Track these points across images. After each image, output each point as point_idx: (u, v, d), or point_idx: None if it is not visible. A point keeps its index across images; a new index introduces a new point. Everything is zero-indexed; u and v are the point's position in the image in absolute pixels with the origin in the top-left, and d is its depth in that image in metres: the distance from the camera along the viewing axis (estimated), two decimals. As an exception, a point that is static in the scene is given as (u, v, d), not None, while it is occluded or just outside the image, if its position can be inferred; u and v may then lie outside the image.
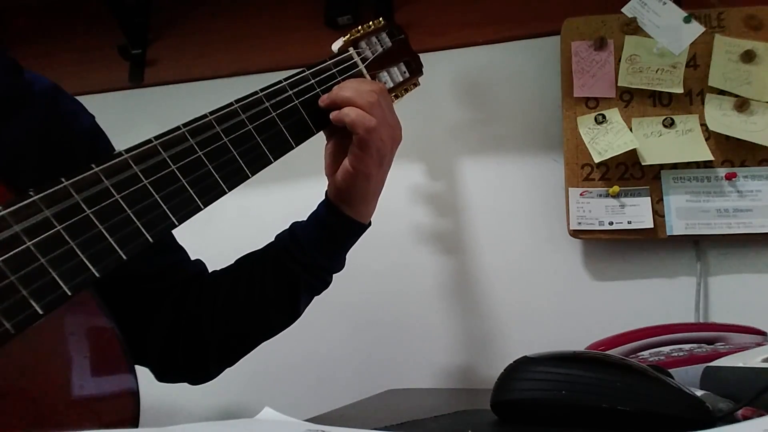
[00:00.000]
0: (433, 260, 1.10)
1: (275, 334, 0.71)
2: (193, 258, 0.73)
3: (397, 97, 0.76)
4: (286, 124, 0.61)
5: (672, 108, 0.99)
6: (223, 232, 1.18)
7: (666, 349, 0.75)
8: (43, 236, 0.40)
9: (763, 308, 0.94)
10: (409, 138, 1.14)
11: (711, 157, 0.95)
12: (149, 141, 0.49)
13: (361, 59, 0.71)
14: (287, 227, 0.72)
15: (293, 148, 0.62)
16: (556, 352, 0.49)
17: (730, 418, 0.44)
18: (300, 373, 1.12)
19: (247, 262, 0.71)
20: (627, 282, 1.01)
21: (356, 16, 1.14)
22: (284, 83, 0.62)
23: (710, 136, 0.96)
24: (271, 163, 0.59)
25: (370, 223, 0.72)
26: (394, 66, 0.75)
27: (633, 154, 0.96)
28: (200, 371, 0.70)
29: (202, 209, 0.51)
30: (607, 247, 1.02)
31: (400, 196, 1.12)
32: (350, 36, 0.72)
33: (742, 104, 0.95)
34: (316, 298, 0.73)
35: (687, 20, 0.98)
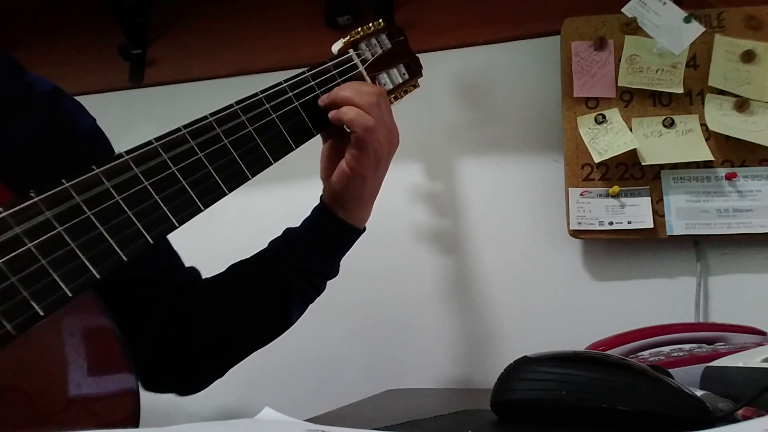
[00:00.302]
0: (433, 260, 1.10)
1: (266, 343, 0.70)
2: (189, 264, 0.72)
3: (396, 98, 0.76)
4: (286, 126, 0.61)
5: (672, 108, 0.99)
6: (223, 232, 1.18)
7: (666, 349, 0.75)
8: (43, 237, 0.40)
9: (763, 308, 0.94)
10: (409, 138, 1.14)
11: (711, 157, 0.95)
12: (150, 142, 0.50)
13: (360, 61, 0.71)
14: (281, 233, 0.71)
15: (293, 149, 0.62)
16: (556, 352, 0.49)
17: (730, 418, 0.44)
18: (300, 373, 1.12)
19: (239, 268, 0.70)
20: (627, 282, 1.01)
21: (356, 16, 1.14)
22: (284, 85, 0.62)
23: (710, 136, 0.96)
24: (272, 164, 0.59)
25: (364, 229, 0.71)
26: (393, 68, 0.75)
27: (633, 154, 0.96)
28: (189, 380, 0.69)
29: (202, 211, 0.51)
30: (607, 247, 1.02)
31: (400, 196, 1.12)
32: (350, 37, 0.72)
33: (742, 104, 0.95)
34: (318, 296, 0.72)
35: (687, 20, 0.98)
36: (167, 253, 0.71)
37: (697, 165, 0.96)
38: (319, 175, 0.70)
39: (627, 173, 0.99)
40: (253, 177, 0.57)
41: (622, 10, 1.00)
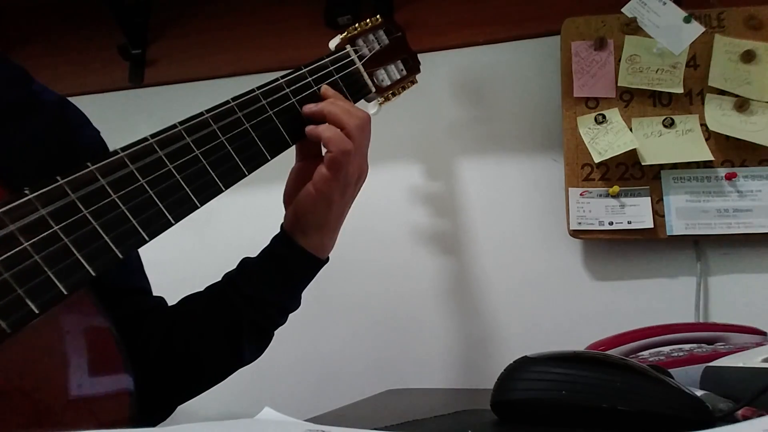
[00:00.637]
0: (433, 260, 1.10)
1: (214, 381, 0.65)
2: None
3: (394, 94, 0.76)
4: (281, 120, 0.61)
5: (672, 108, 0.98)
6: (223, 232, 1.18)
7: (666, 349, 0.75)
8: (38, 235, 0.40)
9: (763, 308, 0.93)
10: (410, 138, 1.15)
11: (711, 157, 0.94)
12: (145, 139, 0.49)
13: (358, 57, 0.70)
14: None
15: (290, 145, 0.62)
16: (556, 352, 0.49)
17: (730, 418, 0.43)
18: (300, 373, 1.12)
19: (189, 300, 0.66)
20: (627, 282, 1.00)
21: (356, 16, 1.14)
22: (281, 81, 0.62)
23: (710, 136, 0.96)
24: (269, 160, 0.59)
25: (327, 259, 0.67)
26: (391, 64, 0.75)
27: (633, 154, 0.96)
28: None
29: (198, 208, 0.51)
30: (607, 247, 1.01)
31: (401, 196, 1.12)
32: (347, 33, 0.71)
33: (742, 104, 0.95)
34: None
35: (687, 20, 0.98)
36: (137, 273, 0.67)
37: (697, 165, 0.96)
38: (282, 199, 0.67)
39: (627, 173, 0.98)
40: (249, 174, 0.57)
41: (622, 10, 0.99)
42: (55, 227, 0.41)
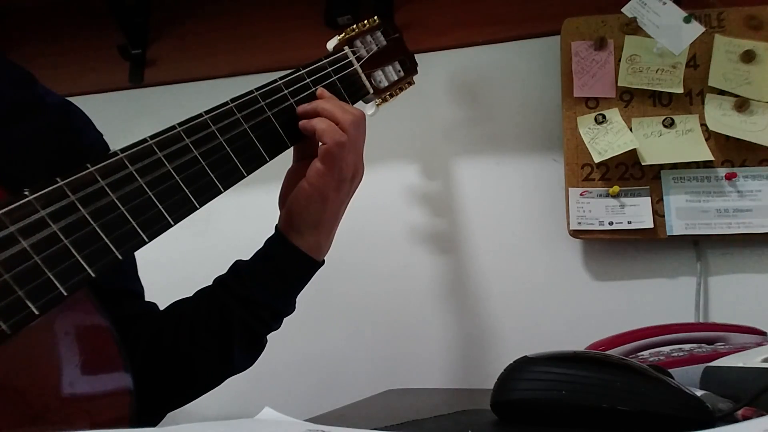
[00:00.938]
0: (433, 260, 1.10)
1: (203, 388, 0.64)
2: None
3: (392, 95, 0.76)
4: (280, 122, 0.61)
5: (672, 108, 0.98)
6: (223, 232, 1.18)
7: (666, 349, 0.75)
8: (38, 236, 0.40)
9: (763, 308, 0.93)
10: (410, 138, 1.15)
11: (711, 157, 0.94)
12: (144, 140, 0.49)
13: (356, 58, 0.70)
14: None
15: (289, 147, 0.62)
16: (556, 352, 0.49)
17: (730, 418, 0.43)
18: (300, 373, 1.12)
19: (178, 304, 0.64)
20: (627, 282, 1.00)
21: (356, 16, 1.14)
22: (279, 82, 0.62)
23: (710, 136, 0.96)
24: (267, 161, 0.59)
25: (323, 262, 0.66)
26: (389, 65, 0.75)
27: (633, 154, 0.96)
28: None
29: (197, 209, 0.51)
30: (607, 247, 1.01)
31: (402, 196, 1.12)
32: (345, 35, 0.71)
33: (742, 104, 0.95)
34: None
35: (687, 20, 0.98)
36: (130, 276, 0.66)
37: (697, 165, 0.96)
38: (278, 198, 0.66)
39: (627, 173, 0.98)
40: (248, 175, 0.57)
41: (622, 10, 0.99)
42: (55, 228, 0.41)
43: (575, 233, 0.98)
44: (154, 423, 0.62)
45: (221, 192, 0.54)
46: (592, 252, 1.03)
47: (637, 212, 0.96)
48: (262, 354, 0.67)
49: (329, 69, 0.67)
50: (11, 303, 0.38)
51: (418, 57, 0.81)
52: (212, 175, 0.53)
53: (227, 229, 1.18)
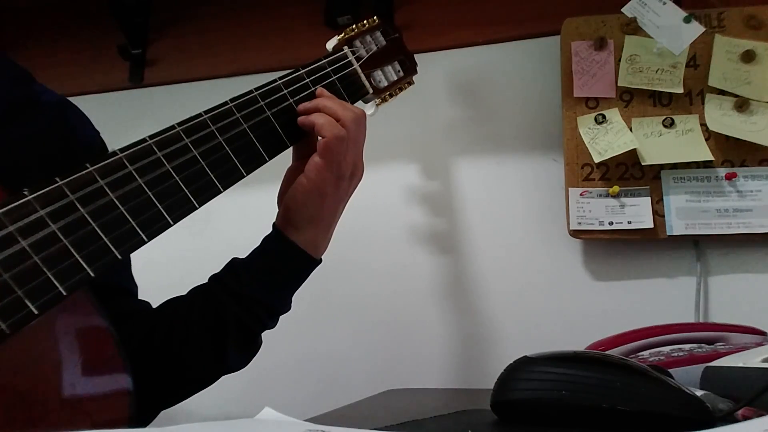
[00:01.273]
0: (433, 260, 1.10)
1: (197, 386, 0.63)
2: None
3: (392, 95, 0.76)
4: (279, 122, 0.61)
5: (672, 108, 0.98)
6: (223, 232, 1.18)
7: (666, 349, 0.75)
8: (37, 236, 0.40)
9: (763, 308, 0.93)
10: (410, 138, 1.15)
11: (711, 157, 0.94)
12: (144, 140, 0.49)
13: (355, 58, 0.70)
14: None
15: (288, 146, 0.62)
16: (556, 352, 0.49)
17: (730, 418, 0.43)
18: (300, 373, 1.11)
19: (172, 301, 0.64)
20: (627, 282, 1.00)
21: (356, 16, 1.14)
22: (279, 82, 0.62)
23: (710, 136, 0.96)
24: (266, 161, 0.59)
25: (320, 260, 0.65)
26: (388, 65, 0.75)
27: (633, 154, 0.96)
28: None
29: (197, 208, 0.51)
30: (607, 247, 1.01)
31: (402, 196, 1.12)
32: (345, 35, 0.71)
33: (742, 104, 0.94)
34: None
35: (687, 20, 0.98)
36: (123, 273, 0.66)
37: (697, 165, 0.96)
38: (277, 197, 0.66)
39: (627, 173, 0.98)
40: (247, 175, 0.57)
41: (622, 10, 0.99)
42: (54, 228, 0.41)
43: (575, 233, 0.98)
44: (145, 422, 0.62)
45: (221, 192, 0.54)
46: (592, 252, 1.03)
47: (637, 212, 0.96)
48: (257, 355, 0.66)
49: (329, 69, 0.67)
50: (10, 303, 0.38)
51: (418, 57, 0.81)
52: (211, 175, 0.53)
53: (226, 229, 1.18)
